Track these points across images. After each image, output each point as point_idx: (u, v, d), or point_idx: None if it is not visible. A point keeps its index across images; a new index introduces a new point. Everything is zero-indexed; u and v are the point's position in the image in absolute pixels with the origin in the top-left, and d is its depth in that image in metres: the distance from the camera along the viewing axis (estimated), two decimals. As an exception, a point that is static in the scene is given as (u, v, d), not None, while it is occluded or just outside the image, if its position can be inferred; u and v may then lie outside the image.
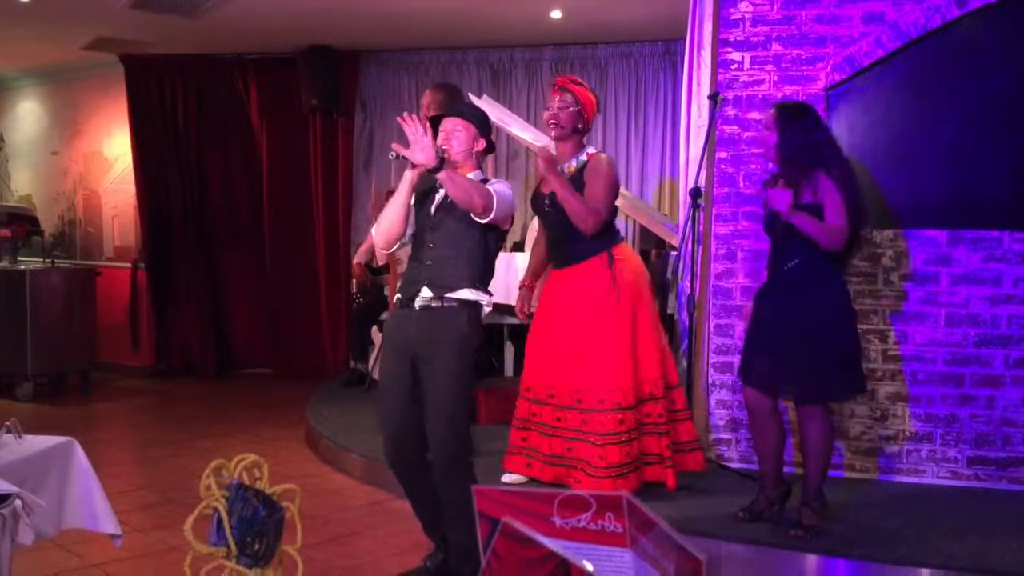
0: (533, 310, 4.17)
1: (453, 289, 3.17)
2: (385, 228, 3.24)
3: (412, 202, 3.27)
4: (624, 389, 3.80)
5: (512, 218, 3.34)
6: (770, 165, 3.74)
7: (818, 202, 3.40)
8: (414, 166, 3.10)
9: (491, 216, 3.11)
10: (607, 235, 3.89)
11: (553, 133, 3.92)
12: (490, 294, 3.28)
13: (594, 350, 3.83)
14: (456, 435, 3.13)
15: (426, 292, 3.18)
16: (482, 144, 3.31)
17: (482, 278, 3.25)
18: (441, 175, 3.06)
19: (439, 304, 3.17)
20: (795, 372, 3.47)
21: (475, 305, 3.21)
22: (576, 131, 3.87)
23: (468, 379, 3.21)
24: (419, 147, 3.02)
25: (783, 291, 3.53)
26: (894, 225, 4.35)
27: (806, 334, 3.42)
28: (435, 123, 3.31)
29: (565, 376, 3.88)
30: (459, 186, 3.07)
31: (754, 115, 4.43)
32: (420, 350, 3.16)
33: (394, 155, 3.13)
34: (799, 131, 3.46)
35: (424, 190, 3.30)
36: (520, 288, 4.21)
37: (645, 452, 3.91)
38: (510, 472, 4.07)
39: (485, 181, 3.23)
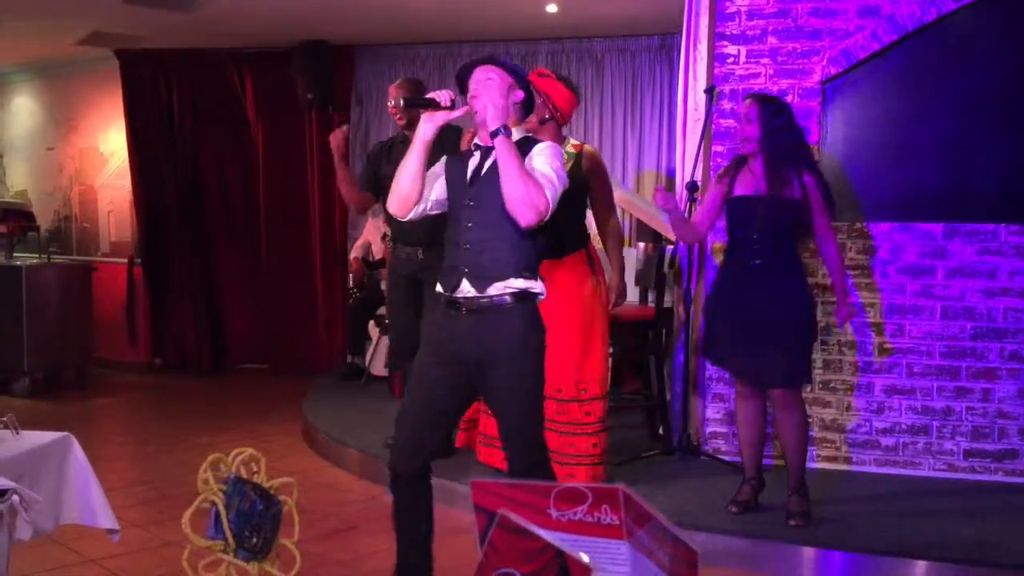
0: None
1: (497, 280, 2.74)
2: (398, 192, 2.79)
3: (444, 171, 2.86)
4: (604, 380, 3.98)
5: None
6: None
7: (803, 198, 3.49)
8: (432, 114, 2.73)
9: (542, 222, 2.69)
10: (585, 229, 4.08)
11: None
12: (542, 280, 2.84)
13: (585, 342, 3.93)
14: (530, 446, 2.82)
15: (467, 286, 2.75)
16: (520, 95, 2.84)
17: (531, 263, 2.79)
18: (499, 140, 2.64)
19: (488, 302, 2.74)
20: (782, 359, 3.51)
21: (528, 296, 2.77)
22: (543, 121, 3.88)
23: (536, 384, 2.82)
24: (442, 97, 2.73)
25: (755, 282, 3.55)
26: (889, 218, 4.36)
27: (785, 321, 3.49)
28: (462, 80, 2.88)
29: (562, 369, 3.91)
30: (513, 171, 2.62)
31: (750, 108, 4.44)
32: (475, 360, 2.77)
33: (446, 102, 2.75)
34: (785, 124, 3.54)
35: (458, 156, 2.91)
36: None
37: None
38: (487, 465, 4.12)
39: (528, 140, 2.85)
